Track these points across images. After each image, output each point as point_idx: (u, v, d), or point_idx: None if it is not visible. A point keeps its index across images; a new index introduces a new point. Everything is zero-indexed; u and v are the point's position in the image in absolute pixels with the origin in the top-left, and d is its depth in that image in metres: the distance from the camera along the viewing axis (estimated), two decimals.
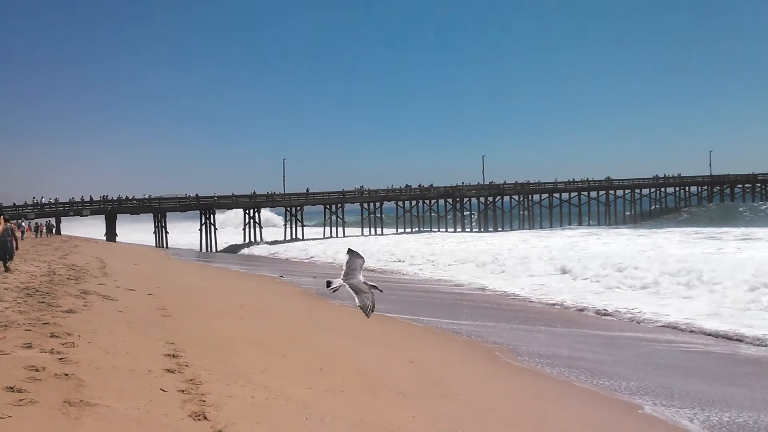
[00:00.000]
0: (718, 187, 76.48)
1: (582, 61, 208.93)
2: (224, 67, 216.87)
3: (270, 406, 5.53)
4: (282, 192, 63.52)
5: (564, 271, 22.49)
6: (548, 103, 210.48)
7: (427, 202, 67.08)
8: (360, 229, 63.73)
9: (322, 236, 60.46)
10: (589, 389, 8.34)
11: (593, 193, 71.63)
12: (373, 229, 63.03)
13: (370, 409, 6.24)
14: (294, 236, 59.67)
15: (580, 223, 68.10)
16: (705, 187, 76.45)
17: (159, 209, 56.40)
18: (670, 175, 74.75)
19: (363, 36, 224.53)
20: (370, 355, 9.40)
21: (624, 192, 72.94)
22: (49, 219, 51.67)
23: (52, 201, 54.13)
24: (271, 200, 61.37)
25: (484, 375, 9.00)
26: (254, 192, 60.97)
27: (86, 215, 54.05)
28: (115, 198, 55.96)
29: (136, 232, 63.07)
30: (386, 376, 7.90)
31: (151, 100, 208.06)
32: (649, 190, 74.04)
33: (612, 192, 72.19)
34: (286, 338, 9.97)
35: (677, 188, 75.28)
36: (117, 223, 54.66)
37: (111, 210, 54.65)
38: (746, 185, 77.06)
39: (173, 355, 6.80)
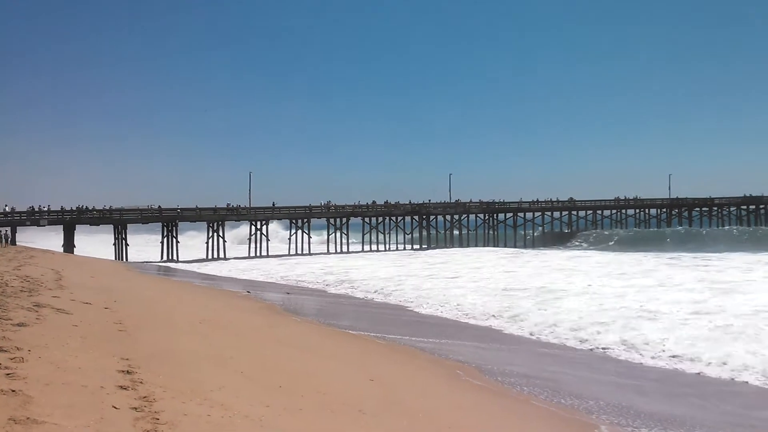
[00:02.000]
0: (676, 210, 78.69)
1: (549, 81, 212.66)
2: (197, 78, 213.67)
3: (226, 424, 5.43)
4: (247, 205, 62.77)
5: None
6: (515, 123, 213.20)
7: (393, 218, 67.32)
8: (326, 245, 63.39)
9: (287, 253, 59.69)
10: (548, 408, 8.43)
11: (556, 213, 73.00)
12: (339, 246, 62.72)
13: (329, 427, 6.19)
14: (258, 253, 58.74)
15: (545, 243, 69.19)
16: (664, 210, 78.58)
17: (120, 221, 55.10)
18: (630, 197, 76.78)
19: (331, 53, 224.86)
20: (330, 372, 9.34)
21: (586, 213, 74.55)
22: (6, 228, 49.99)
23: (8, 209, 52.42)
24: (236, 214, 60.62)
25: (445, 392, 9.02)
26: (228, 205, 60.22)
27: (44, 225, 52.48)
28: (74, 208, 54.55)
29: (95, 243, 61.48)
30: (346, 394, 7.85)
31: (121, 111, 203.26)
32: (611, 212, 75.86)
33: (575, 213, 73.75)
34: (246, 354, 9.83)
35: (637, 210, 77.28)
36: (75, 234, 53.20)
37: (69, 220, 53.16)
38: (704, 209, 79.48)
39: (127, 372, 6.63)
